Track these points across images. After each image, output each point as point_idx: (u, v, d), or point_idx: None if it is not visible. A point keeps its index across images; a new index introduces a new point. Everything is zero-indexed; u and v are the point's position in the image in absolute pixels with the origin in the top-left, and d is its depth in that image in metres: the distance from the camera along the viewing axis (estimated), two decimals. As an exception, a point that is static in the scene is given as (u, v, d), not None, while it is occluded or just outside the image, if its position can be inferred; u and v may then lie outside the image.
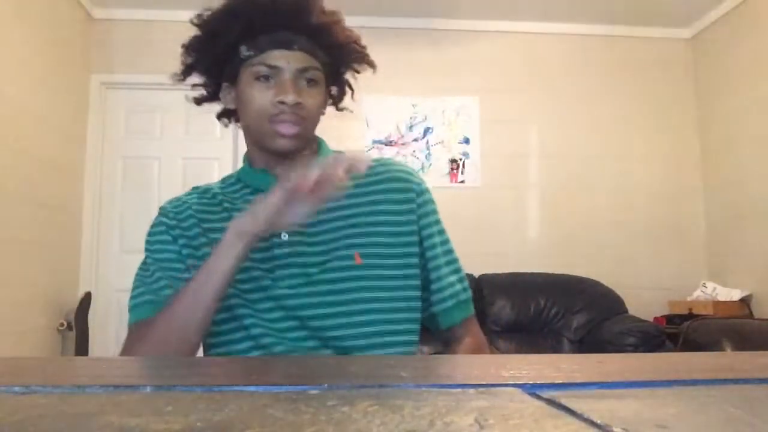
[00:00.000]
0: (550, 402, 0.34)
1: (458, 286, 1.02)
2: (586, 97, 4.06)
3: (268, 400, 0.34)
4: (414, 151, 3.93)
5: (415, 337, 0.98)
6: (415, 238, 0.99)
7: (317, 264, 0.93)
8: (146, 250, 1.03)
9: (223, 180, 1.07)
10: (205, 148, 3.92)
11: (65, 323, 3.39)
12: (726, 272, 3.76)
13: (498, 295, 3.43)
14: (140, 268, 1.02)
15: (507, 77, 4.03)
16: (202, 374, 0.52)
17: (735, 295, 3.50)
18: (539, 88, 4.04)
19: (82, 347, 3.40)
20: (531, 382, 0.40)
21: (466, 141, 3.97)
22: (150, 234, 1.02)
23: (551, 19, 4.02)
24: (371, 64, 1.03)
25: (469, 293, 1.05)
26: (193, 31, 1.00)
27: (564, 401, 0.34)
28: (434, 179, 3.89)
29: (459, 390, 0.38)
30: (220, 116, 1.06)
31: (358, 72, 1.04)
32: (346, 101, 1.08)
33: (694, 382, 0.42)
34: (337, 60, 1.00)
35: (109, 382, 0.41)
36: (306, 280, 0.92)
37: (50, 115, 3.35)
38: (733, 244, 3.72)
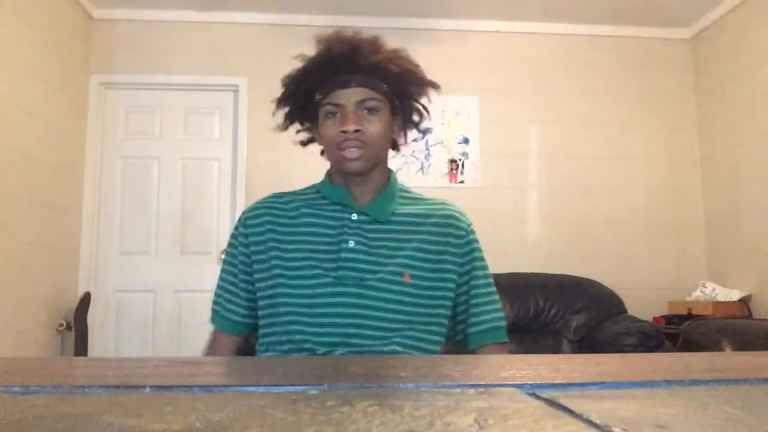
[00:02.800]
0: (550, 402, 0.34)
1: (495, 314, 1.20)
2: (585, 97, 4.06)
3: (268, 400, 0.34)
4: (413, 152, 3.93)
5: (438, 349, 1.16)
6: (453, 270, 1.16)
7: (372, 272, 1.10)
8: (226, 252, 1.26)
9: (304, 189, 1.26)
10: (205, 149, 3.92)
11: (64, 323, 3.39)
12: (725, 272, 3.76)
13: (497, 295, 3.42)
14: (222, 269, 1.25)
15: (506, 77, 4.03)
16: (202, 374, 0.52)
17: (734, 295, 3.50)
18: (539, 88, 4.04)
19: (81, 347, 3.40)
20: (530, 383, 0.40)
21: (466, 141, 3.97)
22: (231, 236, 1.25)
23: (551, 19, 4.02)
24: (434, 86, 1.20)
25: (504, 323, 1.21)
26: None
27: (563, 401, 0.34)
28: (433, 179, 3.89)
29: (458, 390, 0.38)
30: (322, 152, 1.23)
31: (421, 95, 1.21)
32: (425, 123, 1.26)
33: (694, 382, 0.42)
34: (399, 89, 1.17)
35: (109, 383, 0.41)
36: (360, 283, 1.09)
37: (49, 115, 3.35)
38: (733, 245, 3.72)
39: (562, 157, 4.01)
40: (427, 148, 3.94)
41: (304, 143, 1.26)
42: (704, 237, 3.98)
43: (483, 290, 1.19)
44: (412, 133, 1.25)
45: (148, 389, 0.39)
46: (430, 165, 3.93)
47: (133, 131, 3.90)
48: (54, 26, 3.42)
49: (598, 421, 0.29)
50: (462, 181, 3.91)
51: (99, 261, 3.77)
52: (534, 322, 3.44)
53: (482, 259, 1.21)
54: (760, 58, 3.51)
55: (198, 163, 3.90)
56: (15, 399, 0.35)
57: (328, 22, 3.90)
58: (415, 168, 3.90)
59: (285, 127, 1.23)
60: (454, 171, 3.93)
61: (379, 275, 1.10)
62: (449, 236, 1.17)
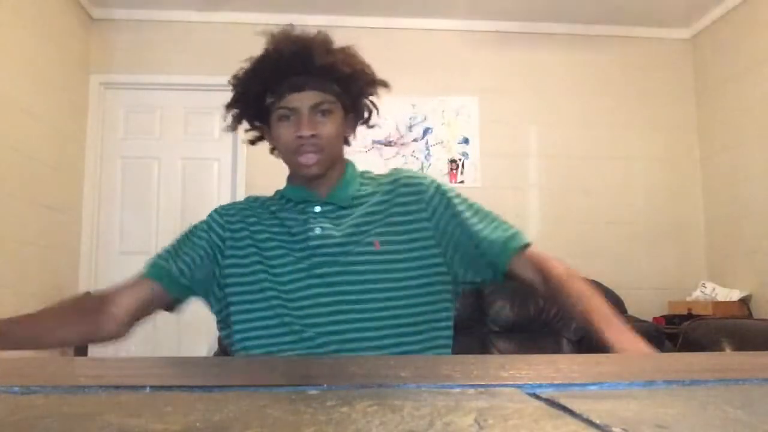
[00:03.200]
0: (550, 402, 0.34)
1: (501, 227, 1.17)
2: (585, 97, 4.06)
3: (268, 401, 0.34)
4: (413, 152, 3.93)
5: (437, 316, 1.14)
6: (426, 228, 1.15)
7: (344, 253, 1.11)
8: (188, 229, 1.25)
9: (273, 195, 1.26)
10: (205, 149, 3.92)
11: (65, 323, 3.39)
12: (725, 272, 3.76)
13: (498, 295, 3.43)
14: (178, 238, 1.25)
15: (506, 77, 4.03)
16: (201, 374, 0.52)
17: (734, 295, 3.50)
18: (539, 88, 4.04)
19: (81, 348, 3.40)
20: (530, 383, 0.40)
21: (466, 141, 3.97)
22: (201, 223, 1.23)
23: (551, 19, 4.02)
24: (384, 85, 1.19)
25: (515, 229, 1.18)
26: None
27: (563, 401, 0.34)
28: (434, 179, 3.90)
29: (458, 390, 0.38)
30: (271, 151, 1.24)
31: (372, 94, 1.21)
32: (374, 118, 1.25)
33: (694, 382, 0.42)
34: (350, 88, 1.16)
35: (109, 383, 0.41)
36: (334, 262, 1.11)
37: (49, 115, 3.35)
38: (733, 245, 3.72)
39: (562, 157, 4.01)
40: (427, 148, 3.94)
41: (252, 142, 1.26)
42: (704, 237, 3.98)
43: (476, 218, 1.17)
44: (362, 126, 1.25)
45: (148, 389, 0.39)
46: (430, 165, 3.93)
47: (133, 131, 3.90)
48: (54, 26, 3.42)
49: (598, 421, 0.29)
50: (462, 181, 3.91)
51: (99, 261, 3.77)
52: (534, 322, 3.44)
53: (458, 196, 1.20)
54: (760, 58, 3.51)
55: (198, 163, 3.90)
56: (15, 399, 0.35)
57: (328, 22, 3.91)
58: (415, 168, 3.90)
59: (234, 127, 1.23)
60: (454, 171, 3.93)
61: (351, 252, 1.12)
62: (409, 200, 1.17)
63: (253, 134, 1.25)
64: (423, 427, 0.28)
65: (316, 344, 1.07)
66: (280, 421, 0.29)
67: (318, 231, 1.14)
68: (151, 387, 0.39)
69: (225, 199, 3.85)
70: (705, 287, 3.66)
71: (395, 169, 1.27)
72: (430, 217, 1.16)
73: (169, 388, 0.39)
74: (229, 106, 1.21)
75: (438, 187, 1.20)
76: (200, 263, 1.17)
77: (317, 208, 1.17)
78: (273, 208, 1.21)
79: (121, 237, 3.80)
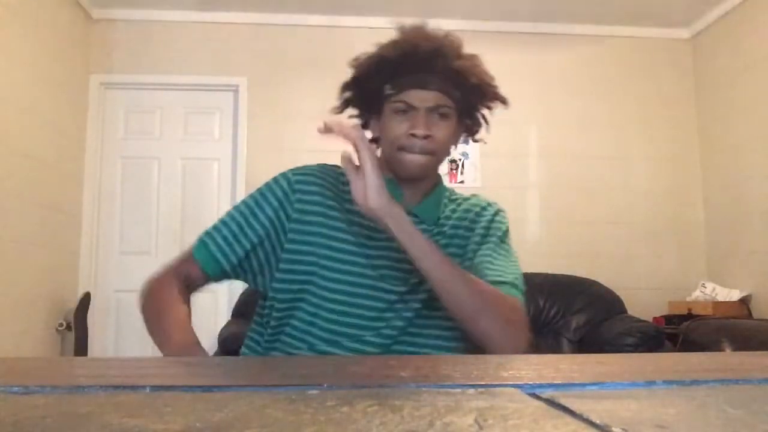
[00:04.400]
0: (550, 402, 0.34)
1: (499, 270, 1.09)
2: (586, 97, 4.06)
3: (268, 401, 0.34)
4: (413, 152, 3.93)
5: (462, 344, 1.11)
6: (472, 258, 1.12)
7: (415, 273, 1.03)
8: (252, 194, 1.13)
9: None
10: (205, 149, 3.92)
11: (64, 323, 3.39)
12: (725, 272, 3.76)
13: (497, 295, 3.43)
14: (235, 207, 1.12)
15: (506, 77, 4.01)
16: (201, 374, 0.52)
17: (734, 295, 3.49)
18: (539, 88, 4.04)
19: (81, 348, 3.40)
20: (530, 383, 0.40)
21: (466, 141, 3.96)
22: (267, 185, 1.12)
23: (551, 20, 4.02)
24: (503, 101, 1.15)
25: (513, 278, 1.09)
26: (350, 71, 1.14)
27: (563, 401, 0.34)
28: (434, 179, 3.90)
29: (458, 390, 0.38)
30: (371, 141, 1.16)
31: (490, 108, 1.16)
32: (482, 133, 1.20)
33: (694, 382, 0.42)
34: (471, 98, 1.12)
35: (109, 383, 0.41)
36: (402, 285, 1.06)
37: (49, 115, 3.35)
38: (733, 245, 3.72)
39: (562, 157, 4.01)
40: (427, 148, 3.94)
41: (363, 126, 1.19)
42: (704, 237, 3.98)
43: (487, 251, 1.12)
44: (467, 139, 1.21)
45: (148, 389, 0.39)
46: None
47: (133, 131, 3.90)
48: (54, 26, 3.42)
49: (598, 421, 0.29)
50: (462, 181, 3.91)
51: (99, 261, 3.77)
52: (534, 322, 3.44)
53: (501, 238, 1.16)
54: (760, 58, 3.51)
55: (198, 163, 3.90)
56: (15, 399, 0.35)
57: (328, 22, 3.91)
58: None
59: (341, 110, 1.16)
60: (454, 171, 3.93)
61: (418, 278, 1.05)
62: (482, 229, 1.15)
63: (359, 120, 1.18)
64: (423, 427, 0.28)
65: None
66: (280, 421, 0.29)
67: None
68: (151, 387, 0.39)
69: (225, 199, 3.85)
70: (705, 287, 3.66)
71: (475, 196, 1.22)
72: (480, 244, 1.14)
73: (169, 388, 0.39)
74: (345, 88, 1.15)
75: (498, 217, 1.18)
76: (254, 247, 1.08)
77: None
78: (348, 189, 1.07)
79: (121, 237, 3.80)
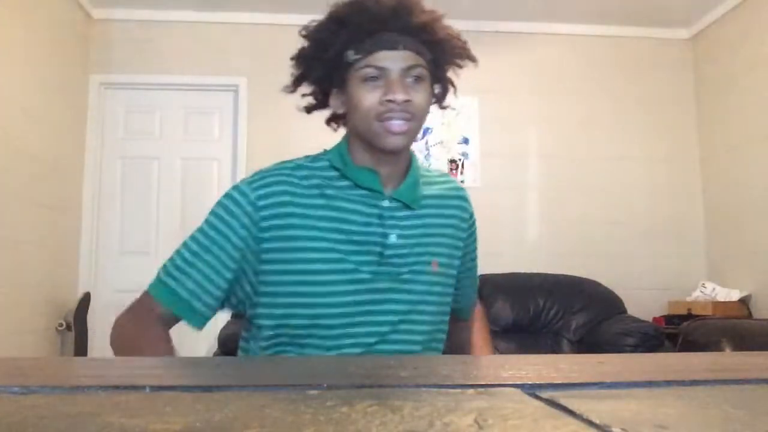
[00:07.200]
0: (550, 402, 0.34)
1: (476, 287, 1.27)
2: (585, 97, 4.06)
3: (268, 401, 0.34)
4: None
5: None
6: (458, 253, 1.12)
7: (407, 264, 1.01)
8: (210, 222, 0.98)
9: (313, 159, 1.04)
10: (204, 149, 3.92)
11: (64, 324, 3.39)
12: (725, 272, 3.76)
13: (497, 295, 3.43)
14: (195, 240, 0.98)
15: (506, 77, 4.03)
16: (201, 374, 0.52)
17: (734, 295, 3.49)
18: (538, 89, 4.04)
19: (81, 348, 3.40)
20: (530, 383, 0.40)
21: (466, 141, 3.97)
22: (225, 208, 0.98)
23: (551, 20, 4.02)
24: (472, 59, 1.06)
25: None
26: (300, 43, 1.03)
27: (563, 401, 0.34)
28: (434, 179, 3.90)
29: (458, 390, 0.38)
30: (329, 121, 1.08)
31: (460, 67, 1.06)
32: (448, 99, 1.09)
33: (694, 383, 0.42)
34: (439, 56, 1.02)
35: (109, 383, 0.41)
36: (396, 278, 1.00)
37: (49, 115, 3.35)
38: (733, 245, 3.72)
39: (562, 157, 4.01)
40: (427, 148, 3.94)
41: (309, 110, 1.08)
42: (704, 237, 3.98)
43: (474, 267, 1.22)
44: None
45: (148, 389, 0.39)
46: (429, 165, 3.92)
47: (133, 131, 3.90)
48: (54, 26, 3.42)
49: (598, 421, 0.29)
50: (462, 181, 3.91)
51: (99, 261, 3.77)
52: (534, 322, 3.44)
53: (476, 243, 1.21)
54: (760, 58, 3.51)
55: (198, 163, 3.90)
56: (15, 399, 0.35)
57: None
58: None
59: (293, 88, 1.05)
60: (454, 171, 3.93)
61: (413, 267, 1.01)
62: (462, 220, 1.12)
63: (309, 101, 1.07)
64: (423, 427, 0.28)
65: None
66: (280, 421, 0.29)
67: (393, 239, 1.00)
68: (151, 387, 0.39)
69: (225, 199, 3.84)
70: (705, 287, 3.66)
71: (446, 175, 1.17)
72: (465, 244, 1.14)
73: (169, 388, 0.39)
74: (297, 60, 1.03)
75: (474, 220, 1.17)
76: (230, 283, 0.98)
77: (385, 203, 1.01)
78: (323, 182, 1.00)
79: (121, 237, 3.80)
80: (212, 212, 1.00)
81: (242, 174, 3.80)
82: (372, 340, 0.98)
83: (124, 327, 0.98)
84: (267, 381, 0.44)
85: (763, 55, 3.48)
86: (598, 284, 3.61)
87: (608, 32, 4.09)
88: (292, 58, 1.04)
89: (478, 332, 1.28)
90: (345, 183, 1.01)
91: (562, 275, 3.63)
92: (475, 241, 1.19)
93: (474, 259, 1.21)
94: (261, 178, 0.99)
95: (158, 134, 3.91)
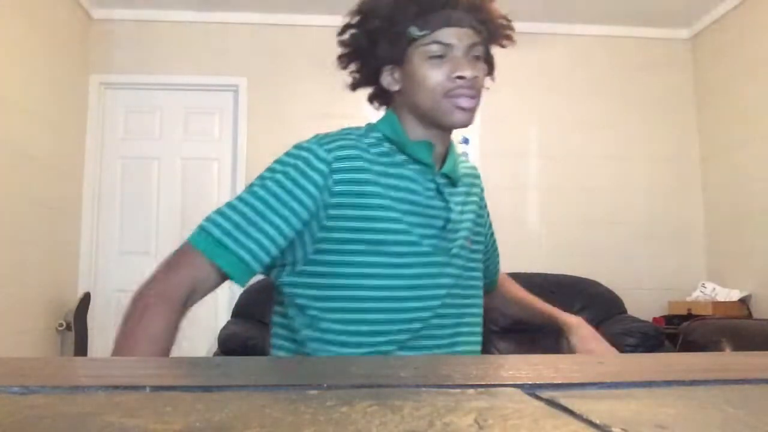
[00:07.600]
0: (550, 402, 0.34)
1: (499, 256, 1.30)
2: (585, 97, 4.06)
3: (268, 401, 0.34)
4: (413, 152, 3.93)
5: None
6: (483, 230, 1.16)
7: (454, 240, 1.02)
8: (278, 180, 0.92)
9: (360, 132, 1.00)
10: (204, 149, 3.92)
11: (64, 324, 3.39)
12: (725, 272, 3.76)
13: (497, 295, 3.43)
14: (259, 198, 0.91)
15: (506, 77, 4.02)
16: (201, 374, 0.52)
17: (734, 295, 3.49)
18: (539, 89, 4.04)
19: (81, 348, 3.40)
20: (530, 383, 0.40)
21: (466, 141, 3.96)
22: (295, 167, 0.92)
23: (551, 20, 4.02)
24: (514, 42, 1.08)
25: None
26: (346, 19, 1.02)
27: (563, 401, 0.34)
28: (434, 179, 3.90)
29: (458, 390, 0.38)
30: (372, 99, 1.06)
31: (503, 47, 1.06)
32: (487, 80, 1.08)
33: (694, 383, 0.42)
34: (491, 35, 1.02)
35: (109, 383, 0.41)
36: (447, 253, 1.01)
37: (49, 115, 3.35)
38: (733, 245, 3.72)
39: (562, 157, 4.01)
40: (427, 148, 3.94)
41: (354, 87, 1.05)
42: (704, 237, 3.98)
43: (494, 240, 1.26)
44: None
45: (148, 389, 0.39)
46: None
47: (133, 131, 3.91)
48: (54, 26, 3.42)
49: (598, 421, 0.29)
50: (462, 181, 3.91)
51: (99, 261, 3.77)
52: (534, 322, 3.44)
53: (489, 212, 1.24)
54: (760, 59, 3.51)
55: (198, 163, 3.90)
56: (15, 399, 0.35)
57: (328, 22, 3.90)
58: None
59: (345, 65, 1.03)
60: (454, 171, 3.93)
61: (459, 242, 1.03)
62: (481, 198, 1.16)
63: (357, 77, 1.04)
64: (423, 427, 0.28)
65: (402, 343, 0.94)
66: (280, 421, 0.29)
67: (455, 214, 1.01)
68: (151, 387, 0.39)
69: (225, 199, 3.84)
70: (705, 287, 3.66)
71: (464, 154, 1.22)
72: (485, 221, 1.18)
73: (169, 388, 0.39)
74: (353, 38, 1.00)
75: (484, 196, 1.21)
76: (286, 243, 0.92)
77: (438, 179, 1.01)
78: (383, 154, 0.97)
79: (121, 237, 3.81)
80: (278, 171, 0.93)
81: (242, 174, 3.79)
82: (426, 314, 0.97)
83: (146, 308, 0.86)
84: (267, 381, 0.44)
85: (763, 55, 3.48)
86: (598, 284, 3.61)
87: (608, 32, 4.09)
88: (339, 34, 1.01)
89: (512, 286, 1.32)
90: (402, 157, 0.99)
91: (562, 275, 3.63)
92: (489, 215, 1.22)
93: (493, 234, 1.25)
94: (333, 141, 0.95)
95: (158, 134, 3.91)
